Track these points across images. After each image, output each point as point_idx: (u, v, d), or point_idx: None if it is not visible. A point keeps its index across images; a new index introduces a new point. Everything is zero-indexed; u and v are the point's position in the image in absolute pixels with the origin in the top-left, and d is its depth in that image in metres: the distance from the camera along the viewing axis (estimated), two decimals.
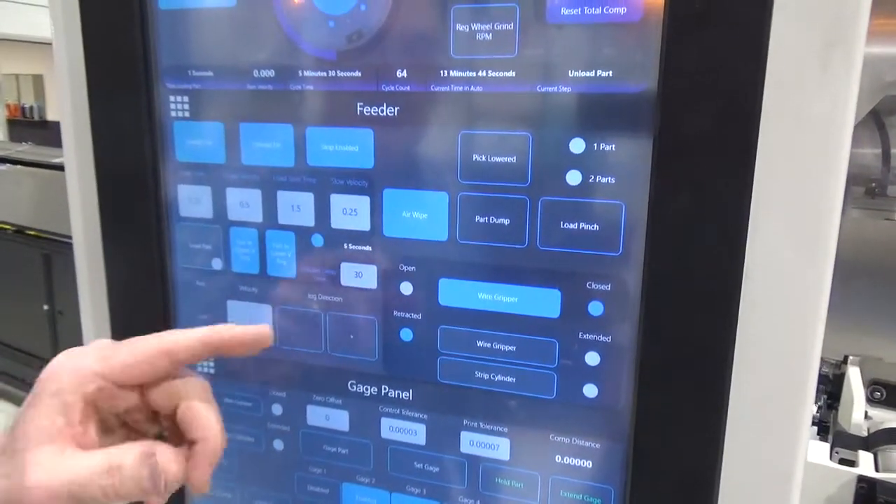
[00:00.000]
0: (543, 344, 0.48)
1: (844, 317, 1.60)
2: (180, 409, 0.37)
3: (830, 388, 1.50)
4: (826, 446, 1.22)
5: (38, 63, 9.40)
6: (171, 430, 0.39)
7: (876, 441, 1.25)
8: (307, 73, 0.50)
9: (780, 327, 0.42)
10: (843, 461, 1.19)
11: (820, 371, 1.51)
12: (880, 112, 1.85)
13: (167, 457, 0.35)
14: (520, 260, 0.47)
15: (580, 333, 0.47)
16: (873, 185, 1.96)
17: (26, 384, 3.00)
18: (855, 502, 1.12)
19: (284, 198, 0.53)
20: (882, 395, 1.42)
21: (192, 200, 0.56)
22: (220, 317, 0.57)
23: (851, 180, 1.96)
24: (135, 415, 0.39)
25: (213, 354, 0.39)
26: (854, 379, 1.43)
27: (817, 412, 1.45)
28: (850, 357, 1.51)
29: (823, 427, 1.40)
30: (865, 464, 1.16)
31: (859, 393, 1.38)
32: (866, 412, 1.35)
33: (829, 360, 1.54)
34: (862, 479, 1.12)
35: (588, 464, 0.49)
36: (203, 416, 0.37)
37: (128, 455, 0.34)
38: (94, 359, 0.36)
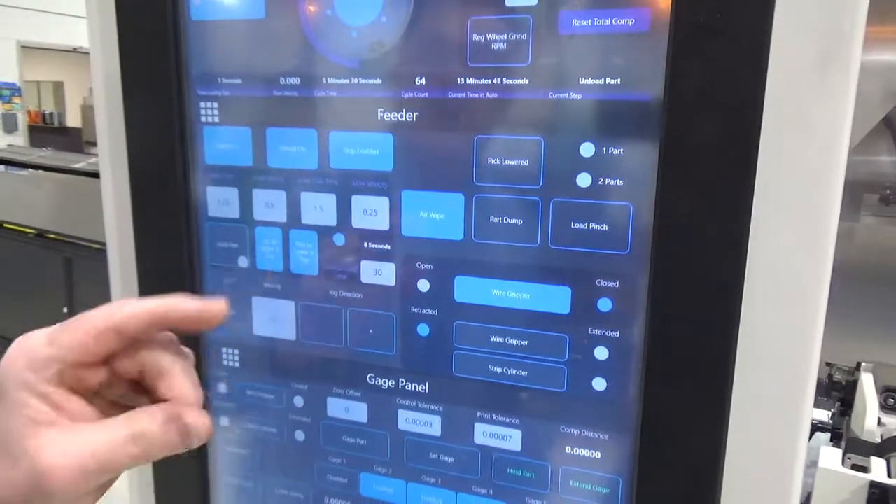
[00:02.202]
0: (554, 339, 0.50)
1: (858, 323, 1.61)
2: (147, 373, 0.37)
3: (843, 394, 1.50)
4: (839, 452, 1.22)
5: (58, 70, 9.56)
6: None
7: (888, 447, 1.25)
8: (331, 81, 0.53)
9: (782, 322, 0.44)
10: (855, 467, 1.19)
11: (833, 377, 1.52)
12: (894, 119, 1.85)
13: (195, 416, 0.36)
14: (532, 258, 0.49)
15: (590, 329, 0.49)
16: (887, 192, 1.96)
17: None
18: None
19: (308, 199, 0.56)
20: (895, 401, 1.42)
21: (220, 201, 0.59)
22: (246, 312, 0.60)
23: (865, 188, 1.96)
24: (114, 388, 0.37)
25: (165, 328, 0.37)
26: (867, 385, 1.43)
27: (830, 418, 1.45)
28: (864, 364, 1.51)
29: (836, 433, 1.40)
30: (878, 470, 1.17)
31: (872, 399, 1.38)
32: (879, 419, 1.35)
33: (842, 367, 1.54)
34: (874, 485, 1.12)
35: (597, 455, 0.51)
36: (176, 376, 0.37)
37: (148, 420, 0.34)
38: (44, 342, 0.35)
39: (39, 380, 0.34)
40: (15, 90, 8.23)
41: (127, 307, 0.36)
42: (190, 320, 0.37)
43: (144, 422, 0.34)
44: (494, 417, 0.53)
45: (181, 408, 0.36)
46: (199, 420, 0.36)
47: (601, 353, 0.49)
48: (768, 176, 0.42)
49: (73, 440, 0.33)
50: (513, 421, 0.53)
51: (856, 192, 1.93)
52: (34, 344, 0.35)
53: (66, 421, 0.34)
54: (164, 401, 0.36)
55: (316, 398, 0.59)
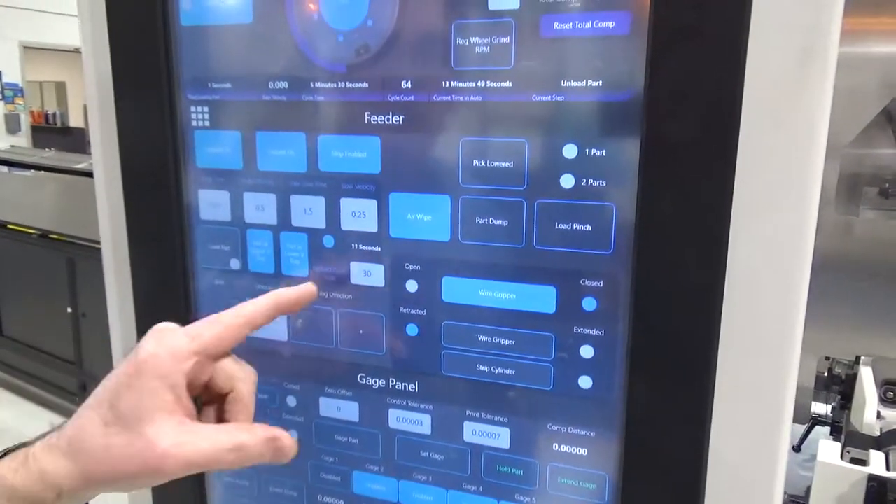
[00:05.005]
0: (540, 338, 0.51)
1: (857, 317, 1.61)
2: (233, 394, 0.43)
3: (843, 388, 1.49)
4: (838, 446, 1.22)
5: (61, 71, 9.57)
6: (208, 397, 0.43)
7: (888, 440, 1.25)
8: (318, 85, 0.54)
9: (762, 319, 0.44)
10: (854, 460, 1.19)
11: (833, 371, 1.52)
12: (892, 111, 1.84)
13: (289, 440, 0.42)
14: (518, 259, 0.50)
15: (575, 328, 0.49)
16: (887, 185, 1.95)
17: (50, 385, 3.07)
18: (866, 501, 1.13)
19: (297, 201, 0.56)
20: (894, 395, 1.42)
21: (211, 204, 0.59)
22: None
23: (865, 181, 1.96)
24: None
25: (278, 315, 0.45)
26: (866, 379, 1.43)
27: (830, 412, 1.45)
28: (863, 357, 1.50)
29: (836, 427, 1.40)
30: (877, 463, 1.17)
31: (872, 393, 1.38)
32: (878, 412, 1.35)
33: (841, 361, 1.54)
34: (872, 478, 1.12)
35: (583, 451, 0.51)
36: (250, 408, 0.43)
37: (249, 437, 0.40)
38: (186, 338, 0.40)
39: (177, 372, 0.39)
40: (17, 91, 8.24)
41: (250, 306, 0.44)
42: (294, 305, 0.46)
43: (246, 437, 0.40)
44: (483, 416, 0.54)
45: (277, 431, 0.41)
46: (291, 444, 0.42)
47: (586, 351, 0.50)
48: (748, 172, 0.43)
49: (187, 437, 0.38)
50: (501, 419, 0.53)
51: (855, 186, 1.93)
52: (176, 339, 0.40)
53: (182, 414, 0.39)
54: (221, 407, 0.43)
55: (308, 398, 0.60)
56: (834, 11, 0.40)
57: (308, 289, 0.46)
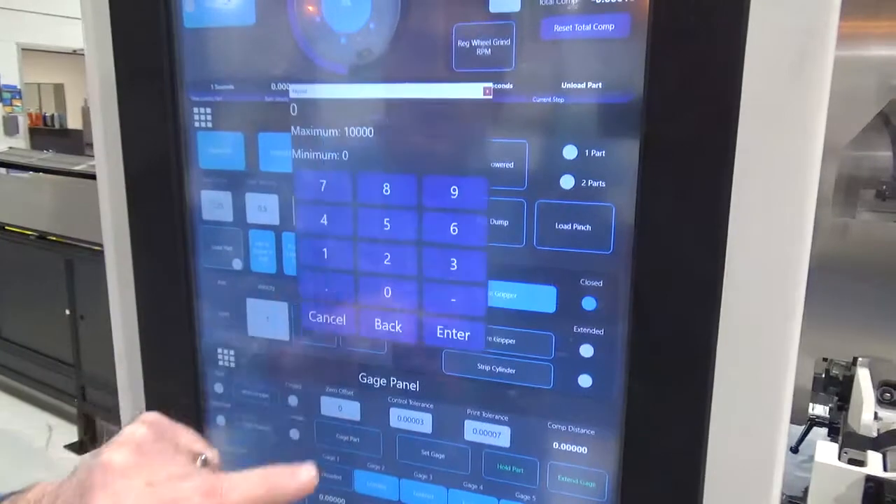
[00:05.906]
0: (541, 337, 0.51)
1: (854, 319, 1.61)
2: None
3: (840, 389, 1.50)
4: (835, 447, 1.23)
5: (59, 73, 9.57)
6: None
7: (885, 441, 1.26)
8: (320, 86, 0.54)
9: (760, 319, 0.45)
10: (852, 461, 1.20)
11: (830, 372, 1.52)
12: (890, 115, 1.85)
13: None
14: (518, 259, 0.51)
15: (575, 327, 0.50)
16: (884, 187, 1.96)
17: (49, 387, 3.06)
18: (863, 501, 1.13)
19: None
20: (892, 396, 1.42)
21: (213, 205, 0.60)
22: (240, 314, 0.61)
23: (862, 183, 1.97)
24: None
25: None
26: (864, 380, 1.44)
27: (828, 413, 1.46)
28: (860, 359, 1.51)
29: (834, 428, 1.41)
30: (874, 464, 1.17)
31: (869, 394, 1.39)
32: (876, 413, 1.35)
33: (839, 362, 1.55)
34: (870, 479, 1.13)
35: (583, 450, 0.52)
36: None
37: None
38: None
39: None
40: (15, 93, 8.23)
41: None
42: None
43: None
44: (483, 414, 0.54)
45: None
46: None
47: (586, 350, 0.50)
48: (746, 174, 0.43)
49: None
50: (501, 418, 0.54)
51: (852, 188, 1.94)
52: None
53: None
54: None
55: (310, 397, 0.60)
56: (831, 14, 0.41)
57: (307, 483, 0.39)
